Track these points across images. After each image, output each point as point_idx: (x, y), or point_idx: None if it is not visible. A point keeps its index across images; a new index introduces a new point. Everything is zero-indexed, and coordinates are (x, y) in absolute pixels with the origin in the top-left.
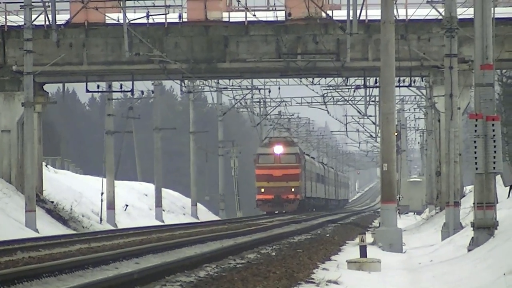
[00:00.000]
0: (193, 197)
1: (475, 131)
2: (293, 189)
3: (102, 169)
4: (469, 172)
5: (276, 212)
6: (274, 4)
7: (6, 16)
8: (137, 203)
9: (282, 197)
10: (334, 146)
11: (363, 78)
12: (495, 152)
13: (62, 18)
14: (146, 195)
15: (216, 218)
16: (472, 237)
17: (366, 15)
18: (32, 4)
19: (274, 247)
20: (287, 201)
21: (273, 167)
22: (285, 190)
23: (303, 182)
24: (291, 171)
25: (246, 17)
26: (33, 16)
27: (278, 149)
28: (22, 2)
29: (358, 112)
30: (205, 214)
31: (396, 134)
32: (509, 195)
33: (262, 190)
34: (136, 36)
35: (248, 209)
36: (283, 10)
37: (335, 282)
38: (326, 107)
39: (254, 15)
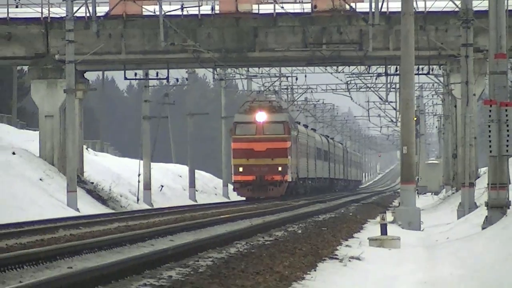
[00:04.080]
0: (224, 178)
1: (490, 116)
2: (280, 168)
3: (139, 152)
4: (483, 155)
5: (262, 197)
6: None
7: (49, 8)
8: (171, 184)
9: (265, 178)
10: (357, 130)
11: (384, 66)
12: (508, 136)
13: (101, 10)
14: (180, 176)
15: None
16: (486, 216)
17: (387, 7)
18: None
19: (300, 225)
20: (272, 183)
21: (254, 140)
22: (269, 169)
23: (294, 159)
24: (277, 145)
25: (274, 9)
26: (75, 8)
27: (261, 116)
28: None
29: (380, 98)
30: (235, 194)
31: (415, 119)
32: None
33: (240, 169)
34: (171, 27)
35: None
36: (309, 2)
37: (357, 258)
38: (349, 93)
39: (282, 7)
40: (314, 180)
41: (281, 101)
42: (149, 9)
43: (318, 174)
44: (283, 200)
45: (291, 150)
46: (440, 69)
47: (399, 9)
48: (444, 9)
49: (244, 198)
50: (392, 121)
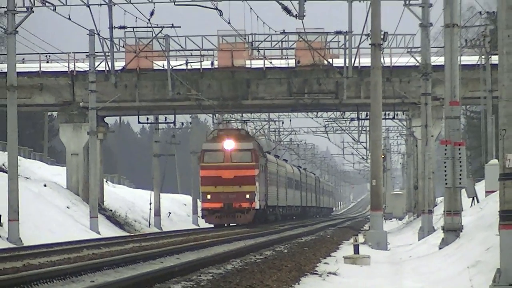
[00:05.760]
0: None
1: (445, 154)
2: (247, 195)
3: (150, 184)
4: (440, 187)
5: (229, 224)
6: (287, 54)
7: (75, 63)
8: (178, 211)
9: (233, 205)
10: (334, 166)
11: (356, 112)
12: (460, 170)
13: (119, 65)
14: (185, 204)
15: None
16: (443, 238)
17: (359, 63)
18: (95, 54)
19: (286, 245)
20: (240, 210)
21: (222, 167)
22: (237, 196)
23: (262, 186)
24: (245, 172)
25: (264, 64)
26: (96, 63)
27: (229, 144)
28: (87, 52)
29: (353, 139)
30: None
31: (382, 156)
32: (471, 204)
33: (208, 196)
34: (178, 79)
35: None
36: (294, 58)
37: (334, 274)
38: (327, 135)
39: (271, 62)
40: (285, 208)
41: (269, 142)
42: (159, 64)
43: (290, 202)
44: (251, 228)
45: (259, 178)
46: (403, 114)
47: (369, 64)
48: (407, 64)
49: (212, 225)
50: (363, 158)
